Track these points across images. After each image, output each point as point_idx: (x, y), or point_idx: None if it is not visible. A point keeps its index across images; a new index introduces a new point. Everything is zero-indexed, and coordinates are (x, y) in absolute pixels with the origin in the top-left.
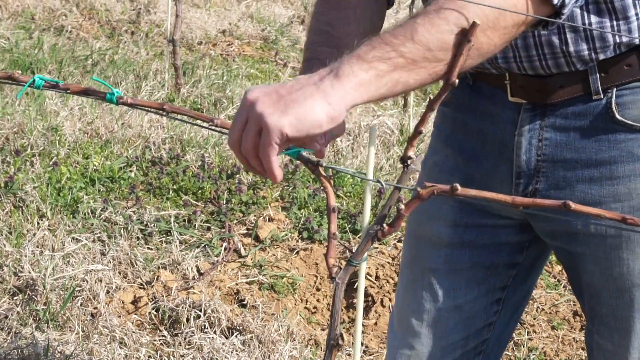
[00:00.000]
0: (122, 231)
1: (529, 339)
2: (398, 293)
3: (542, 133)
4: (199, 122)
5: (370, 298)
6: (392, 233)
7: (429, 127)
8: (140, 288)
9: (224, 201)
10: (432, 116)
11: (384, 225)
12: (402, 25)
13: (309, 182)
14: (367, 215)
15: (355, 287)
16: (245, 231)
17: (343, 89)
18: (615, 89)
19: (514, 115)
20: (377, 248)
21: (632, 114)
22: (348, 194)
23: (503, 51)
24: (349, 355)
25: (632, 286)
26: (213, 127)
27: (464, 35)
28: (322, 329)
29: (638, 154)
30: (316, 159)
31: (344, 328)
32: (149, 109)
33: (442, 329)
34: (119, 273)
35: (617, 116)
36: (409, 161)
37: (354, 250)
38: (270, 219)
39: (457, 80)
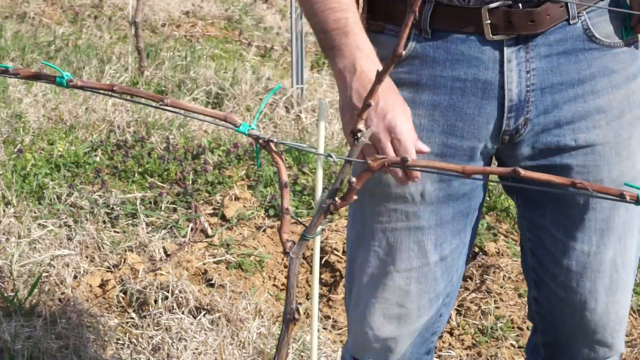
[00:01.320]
0: (88, 215)
1: (496, 307)
2: (370, 259)
3: (528, 65)
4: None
5: (337, 273)
6: (344, 206)
7: None
8: (107, 271)
9: (190, 182)
10: None
11: (336, 199)
12: None
13: (274, 161)
14: (320, 190)
15: (322, 262)
16: (211, 211)
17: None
18: (585, 13)
19: (495, 53)
20: (344, 223)
21: (602, 32)
22: (313, 170)
23: None
24: (324, 329)
25: (617, 187)
26: (163, 107)
27: (410, 7)
28: None
29: (610, 67)
30: (268, 132)
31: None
32: (99, 91)
33: (429, 283)
34: (86, 257)
35: (596, 35)
36: (359, 134)
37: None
38: (237, 198)
39: (404, 52)
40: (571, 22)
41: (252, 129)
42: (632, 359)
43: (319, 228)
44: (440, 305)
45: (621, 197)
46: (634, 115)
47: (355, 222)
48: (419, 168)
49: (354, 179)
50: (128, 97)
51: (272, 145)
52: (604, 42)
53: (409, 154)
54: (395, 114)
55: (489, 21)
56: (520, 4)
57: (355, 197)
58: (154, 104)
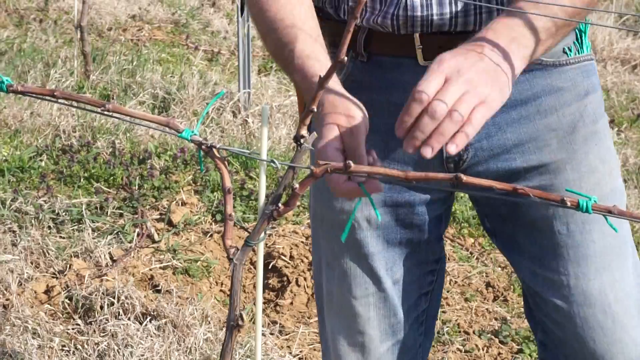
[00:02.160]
0: (33, 221)
1: (443, 312)
2: (330, 287)
3: None
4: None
5: (285, 278)
6: (287, 212)
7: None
8: (53, 277)
9: (136, 187)
10: None
11: (279, 204)
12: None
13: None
14: (263, 196)
15: (270, 267)
16: (158, 216)
17: (524, 62)
18: None
19: None
20: (291, 228)
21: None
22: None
23: (441, 15)
24: (271, 334)
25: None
26: (105, 112)
27: (351, 13)
28: None
29: (557, 84)
30: (211, 140)
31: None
32: (40, 96)
33: (388, 307)
34: (31, 263)
35: None
36: (302, 140)
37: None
38: (183, 203)
39: (346, 58)
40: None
41: (195, 134)
42: None
43: (263, 234)
44: (415, 334)
45: (562, 202)
46: (589, 130)
47: (314, 248)
48: (362, 172)
49: (297, 185)
50: (70, 103)
51: (215, 151)
52: (547, 62)
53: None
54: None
55: (421, 46)
56: (451, 30)
57: (297, 203)
58: (96, 109)
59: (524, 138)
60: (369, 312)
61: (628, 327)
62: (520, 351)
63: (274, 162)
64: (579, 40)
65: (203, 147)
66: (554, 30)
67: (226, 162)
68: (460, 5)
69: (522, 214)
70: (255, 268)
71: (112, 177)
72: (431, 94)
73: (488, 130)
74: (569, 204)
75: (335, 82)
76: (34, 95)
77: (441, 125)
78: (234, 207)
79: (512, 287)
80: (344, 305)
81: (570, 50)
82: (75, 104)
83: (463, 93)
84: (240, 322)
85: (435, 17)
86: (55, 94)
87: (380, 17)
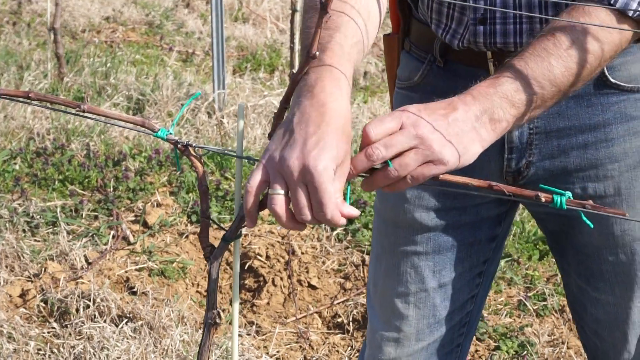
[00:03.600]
0: (7, 224)
1: None
2: (377, 279)
3: None
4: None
5: (261, 278)
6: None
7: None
8: (28, 281)
9: (111, 189)
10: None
11: None
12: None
13: (193, 166)
14: (239, 194)
15: (246, 267)
16: (133, 218)
17: (495, 135)
18: None
19: None
20: (267, 228)
21: (622, 75)
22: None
23: (504, 33)
24: (247, 335)
25: (632, 241)
26: (80, 113)
27: (323, 9)
28: None
29: (630, 113)
30: (191, 137)
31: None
32: (15, 98)
33: (428, 309)
34: (6, 267)
35: (610, 79)
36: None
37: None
38: (159, 205)
39: (317, 52)
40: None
41: (171, 134)
42: (554, 358)
43: (239, 232)
44: (454, 335)
45: (536, 198)
46: None
47: (372, 240)
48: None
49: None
50: (45, 104)
51: (190, 149)
52: (624, 87)
53: (325, 213)
54: (321, 155)
55: (492, 59)
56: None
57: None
58: (71, 110)
59: (586, 165)
60: (408, 311)
61: None
62: (497, 348)
63: (250, 159)
64: None
65: (179, 145)
66: (538, 102)
67: (202, 161)
68: (525, 36)
69: (572, 236)
70: (231, 268)
71: (86, 180)
72: (375, 136)
73: (552, 152)
74: (543, 199)
75: (330, 92)
76: (8, 97)
77: (374, 175)
78: (210, 207)
79: None
80: (385, 299)
81: None
82: (50, 105)
83: (411, 147)
84: (217, 320)
85: (499, 45)
86: (29, 95)
87: (449, 36)
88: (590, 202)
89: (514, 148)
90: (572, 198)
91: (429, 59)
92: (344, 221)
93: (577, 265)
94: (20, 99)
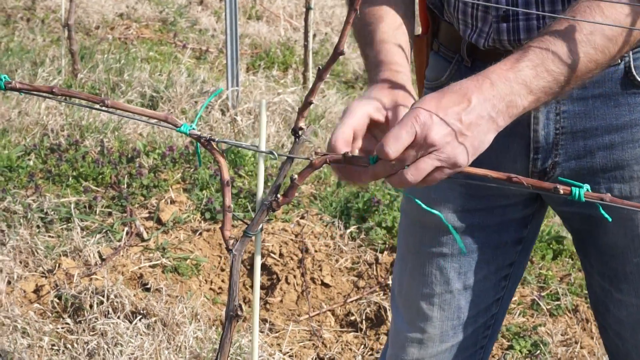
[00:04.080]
0: (21, 220)
1: None
2: (402, 279)
3: (559, 106)
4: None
5: (275, 276)
6: (286, 203)
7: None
8: (42, 276)
9: (125, 185)
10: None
11: (278, 195)
12: (555, 43)
13: (210, 162)
14: (261, 187)
15: (260, 266)
16: (147, 214)
17: (510, 120)
18: (631, 53)
19: None
20: (280, 226)
21: None
22: (250, 173)
23: (528, 29)
24: (261, 332)
25: None
26: (104, 108)
27: (351, 5)
28: None
29: None
30: (205, 134)
31: (249, 306)
32: (38, 93)
33: (453, 310)
34: (20, 262)
35: (638, 79)
36: (300, 132)
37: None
38: (172, 201)
39: (345, 49)
40: (612, 63)
41: (193, 129)
42: (567, 358)
43: (261, 225)
44: (478, 337)
45: (555, 191)
46: None
47: (398, 239)
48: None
49: (296, 176)
50: (67, 99)
51: (213, 144)
52: None
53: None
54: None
55: None
56: None
57: (296, 193)
58: (94, 105)
59: (612, 165)
60: (432, 312)
61: None
62: (510, 347)
63: (272, 153)
64: None
65: (202, 140)
66: (556, 89)
67: (224, 155)
68: None
69: (596, 236)
70: (244, 266)
71: (100, 176)
72: (394, 155)
73: (578, 152)
74: (561, 192)
75: (397, 72)
76: (32, 92)
77: (394, 177)
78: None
79: None
80: (409, 299)
81: None
82: (73, 100)
83: (425, 154)
84: (239, 312)
85: (523, 41)
86: (54, 90)
87: (476, 35)
88: (609, 195)
89: (540, 148)
90: (590, 191)
91: (456, 59)
92: None
93: (601, 265)
94: (44, 94)
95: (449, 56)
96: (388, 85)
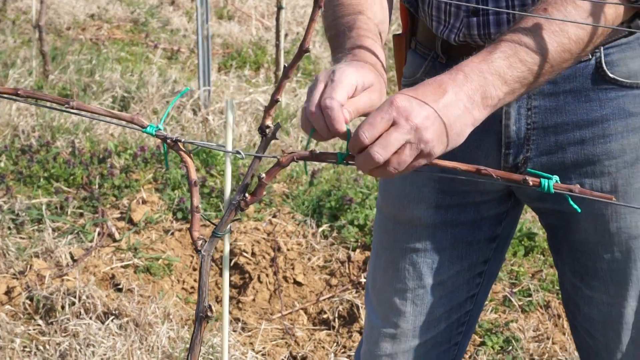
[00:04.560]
0: None
1: None
2: (375, 275)
3: (530, 101)
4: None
5: (247, 274)
6: (254, 202)
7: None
8: (13, 278)
9: (96, 186)
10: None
11: (246, 194)
12: (528, 34)
13: (182, 163)
14: (229, 187)
15: (231, 264)
16: (118, 215)
17: (487, 113)
18: (602, 48)
19: None
20: (252, 225)
21: (621, 70)
22: (222, 172)
23: (497, 23)
24: (233, 331)
25: (629, 238)
26: (69, 110)
27: (316, 2)
28: None
29: (629, 109)
30: (176, 134)
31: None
32: (3, 95)
33: (426, 305)
34: None
35: (609, 74)
36: (266, 130)
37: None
38: (144, 202)
39: (310, 47)
40: (583, 59)
41: (160, 129)
42: (539, 353)
43: (229, 226)
44: (452, 333)
45: (524, 182)
46: None
47: (373, 235)
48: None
49: (263, 175)
50: (33, 101)
51: (180, 144)
52: (623, 83)
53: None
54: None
55: None
56: None
57: (264, 192)
58: (60, 107)
59: (583, 161)
60: (405, 307)
61: None
62: (482, 343)
63: (239, 153)
64: None
65: (168, 141)
66: (531, 79)
67: (192, 156)
68: None
69: (568, 231)
70: (216, 265)
71: (72, 177)
72: (372, 139)
73: (550, 147)
74: (531, 183)
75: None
76: None
77: (375, 169)
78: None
79: None
80: (383, 295)
81: None
82: (38, 102)
83: (405, 143)
84: (209, 313)
85: (493, 36)
86: (18, 92)
87: (447, 31)
88: (578, 186)
89: (511, 143)
90: (559, 182)
91: (432, 56)
92: None
93: (573, 262)
94: (9, 96)
95: (425, 53)
96: (368, 62)
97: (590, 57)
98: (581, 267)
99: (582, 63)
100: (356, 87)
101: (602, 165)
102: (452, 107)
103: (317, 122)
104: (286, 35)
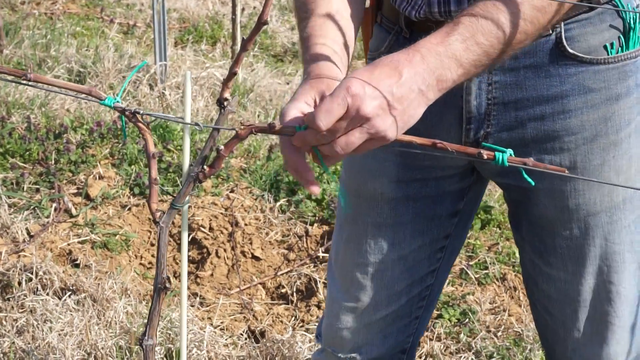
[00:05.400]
0: None
1: None
2: (338, 248)
3: (491, 77)
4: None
5: (205, 250)
6: (212, 174)
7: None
8: None
9: (53, 161)
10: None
11: (205, 166)
12: (485, 16)
13: (138, 137)
14: (187, 159)
15: (189, 239)
16: (75, 190)
17: (440, 94)
18: (562, 24)
19: None
20: (210, 199)
21: (581, 46)
22: (178, 147)
23: (458, 1)
24: (191, 306)
25: (587, 215)
26: (27, 82)
27: None
28: None
29: (588, 85)
30: (132, 107)
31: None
32: None
33: (386, 279)
34: None
35: (569, 50)
36: (225, 102)
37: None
38: (101, 177)
39: (268, 19)
40: (543, 33)
41: (118, 101)
42: (496, 325)
43: (187, 197)
44: (412, 307)
45: (479, 155)
46: (610, 140)
47: (337, 209)
48: (284, 132)
49: (222, 147)
50: None
51: (138, 117)
52: (583, 58)
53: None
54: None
55: None
56: None
57: (223, 166)
58: (17, 79)
59: (542, 137)
60: (366, 281)
61: (611, 340)
62: (440, 316)
63: (198, 125)
64: (625, 36)
65: (127, 113)
66: (486, 62)
67: (150, 128)
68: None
69: (528, 207)
70: (174, 241)
71: (27, 152)
72: (326, 127)
73: (510, 123)
74: (485, 157)
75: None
76: None
77: (323, 147)
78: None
79: None
80: (344, 268)
81: (612, 47)
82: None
83: (356, 126)
84: (167, 285)
85: (453, 13)
86: None
87: (409, 7)
88: (532, 159)
89: (472, 118)
90: (513, 156)
91: (395, 30)
92: None
93: (532, 238)
94: None
95: (390, 27)
96: (316, 73)
97: (551, 32)
98: (540, 243)
99: (543, 38)
100: (302, 112)
101: (562, 141)
102: (406, 89)
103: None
104: (243, 9)
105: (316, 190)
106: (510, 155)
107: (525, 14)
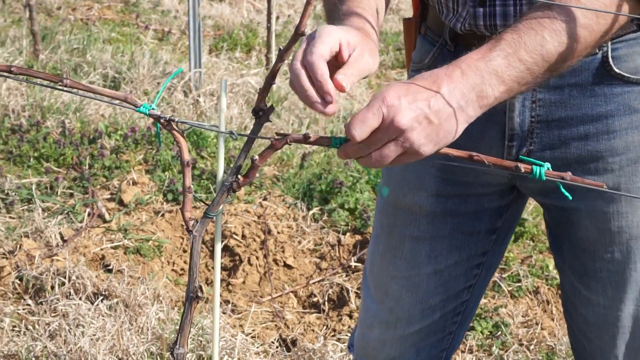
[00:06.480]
0: None
1: None
2: (374, 259)
3: (535, 94)
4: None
5: (237, 257)
6: (246, 184)
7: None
8: (3, 258)
9: (87, 166)
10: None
11: (239, 176)
12: (529, 33)
13: (172, 144)
14: (222, 168)
15: (222, 246)
16: (109, 196)
17: (481, 111)
18: (610, 43)
19: None
20: (243, 207)
21: (628, 66)
22: (212, 155)
23: (504, 15)
24: (223, 313)
25: (629, 239)
26: (63, 88)
27: None
28: None
29: (634, 106)
30: (167, 115)
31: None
32: None
33: (421, 293)
34: None
35: (615, 69)
36: (260, 112)
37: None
38: (134, 183)
39: (305, 30)
40: (590, 52)
41: (153, 109)
42: (528, 339)
43: (221, 207)
44: (446, 322)
45: (516, 169)
46: None
47: (374, 219)
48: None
49: (256, 157)
50: (26, 79)
51: (173, 124)
52: (629, 79)
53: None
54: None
55: None
56: None
57: (257, 174)
58: (53, 85)
59: (586, 157)
60: (401, 294)
61: None
62: (472, 328)
63: (232, 134)
64: None
65: (162, 120)
66: (530, 79)
67: (184, 135)
68: None
69: (570, 228)
70: (207, 248)
71: (62, 157)
72: (360, 138)
73: (553, 141)
74: (522, 170)
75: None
76: None
77: (360, 159)
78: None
79: None
80: (379, 280)
81: None
82: (32, 79)
83: (391, 139)
84: (199, 294)
85: (499, 27)
86: (12, 69)
87: (455, 20)
88: (569, 173)
89: (515, 135)
90: (551, 170)
91: (440, 43)
92: None
93: (573, 260)
94: (2, 73)
95: (434, 40)
96: (357, 26)
97: (597, 51)
98: (580, 266)
99: (589, 57)
100: (340, 43)
101: (606, 162)
102: (443, 105)
103: (297, 79)
104: (277, 17)
105: (331, 109)
106: (548, 169)
107: (572, 32)
